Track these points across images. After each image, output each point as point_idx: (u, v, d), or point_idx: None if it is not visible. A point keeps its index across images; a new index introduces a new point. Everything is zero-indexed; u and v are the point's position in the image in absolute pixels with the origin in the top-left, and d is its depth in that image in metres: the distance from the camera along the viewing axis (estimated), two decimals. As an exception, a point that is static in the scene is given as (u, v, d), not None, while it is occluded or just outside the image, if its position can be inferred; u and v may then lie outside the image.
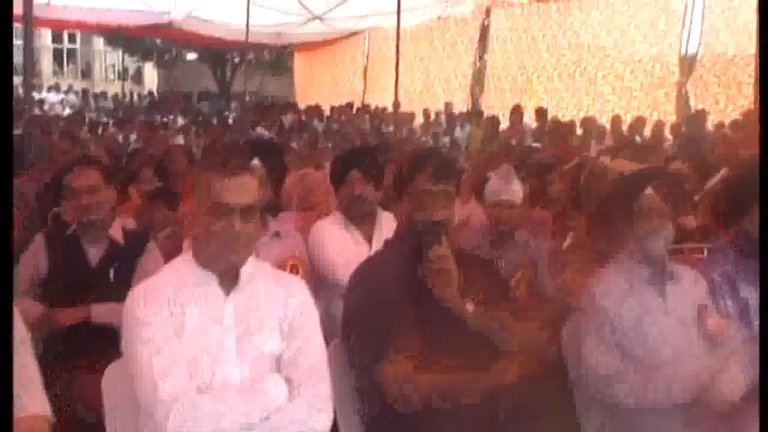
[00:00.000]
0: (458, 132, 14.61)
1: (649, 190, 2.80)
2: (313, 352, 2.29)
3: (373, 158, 3.83)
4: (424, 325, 2.46)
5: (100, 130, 14.14)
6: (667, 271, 2.85)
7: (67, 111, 21.04)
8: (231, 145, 6.62)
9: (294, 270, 3.39)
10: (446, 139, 14.27)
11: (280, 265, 3.35)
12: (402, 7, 13.55)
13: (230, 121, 18.37)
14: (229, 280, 2.24)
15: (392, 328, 2.42)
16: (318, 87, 23.42)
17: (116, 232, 3.56)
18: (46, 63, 34.70)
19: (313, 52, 23.82)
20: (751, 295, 3.01)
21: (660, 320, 2.77)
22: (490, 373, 2.45)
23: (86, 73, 36.19)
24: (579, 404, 2.90)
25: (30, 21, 7.31)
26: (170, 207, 4.57)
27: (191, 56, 29.27)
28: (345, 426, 2.55)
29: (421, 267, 2.48)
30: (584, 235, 3.69)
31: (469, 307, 2.47)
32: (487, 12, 18.17)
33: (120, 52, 29.85)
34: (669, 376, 2.68)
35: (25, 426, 1.99)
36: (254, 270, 2.29)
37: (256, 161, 3.34)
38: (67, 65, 36.25)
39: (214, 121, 18.87)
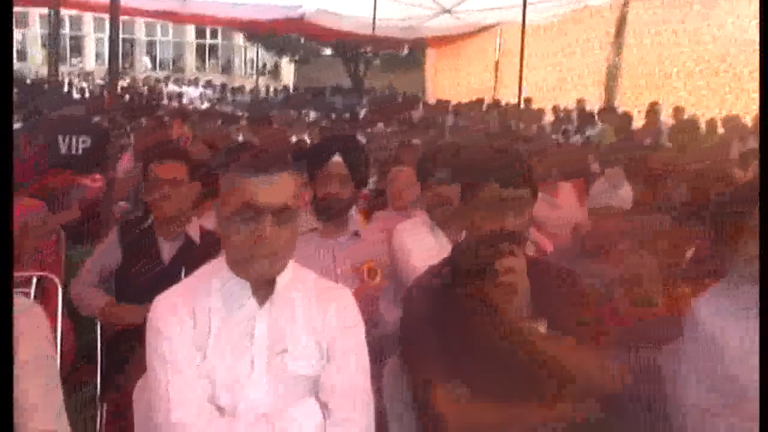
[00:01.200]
0: (590, 130, 14.00)
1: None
2: (355, 375, 2.00)
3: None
4: (486, 347, 2.16)
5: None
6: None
7: (205, 105, 21.64)
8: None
9: (371, 274, 3.15)
10: (577, 138, 13.73)
11: (357, 269, 3.13)
12: (534, 0, 13.11)
13: (361, 116, 18.51)
14: (264, 289, 1.99)
15: (449, 348, 2.13)
16: (449, 82, 23.17)
17: (194, 230, 3.44)
18: (190, 58, 35.96)
19: (444, 46, 23.54)
20: None
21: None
22: (558, 408, 2.12)
23: (226, 69, 37.24)
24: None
25: (117, 11, 7.22)
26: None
27: (326, 52, 29.61)
28: None
29: (486, 281, 2.16)
30: (706, 249, 3.28)
31: (541, 328, 2.14)
32: (626, 3, 17.36)
33: (258, 48, 30.55)
34: None
35: None
36: (294, 279, 2.04)
37: (337, 157, 3.13)
38: (209, 60, 37.43)
39: (346, 116, 19.14)
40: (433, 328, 2.18)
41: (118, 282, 3.38)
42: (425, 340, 2.18)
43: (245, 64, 37.81)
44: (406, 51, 27.69)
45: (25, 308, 1.87)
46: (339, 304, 2.06)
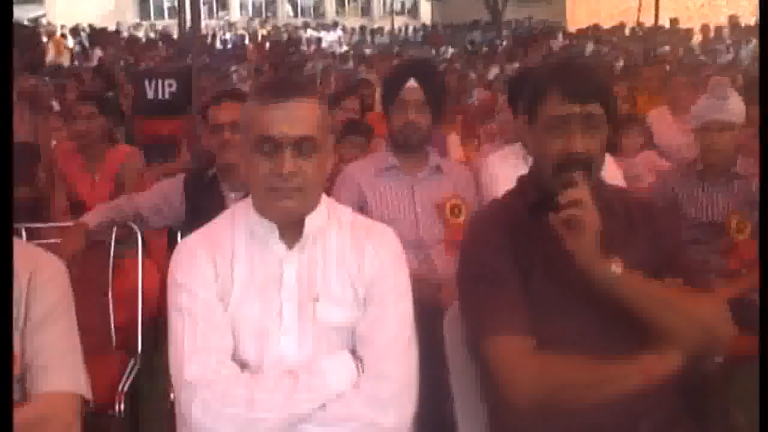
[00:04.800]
0: (743, 49, 12.99)
1: None
2: (394, 325, 1.80)
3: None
4: (553, 293, 1.90)
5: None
6: None
7: (344, 48, 21.67)
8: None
9: (455, 212, 2.94)
10: (729, 57, 12.78)
11: (439, 206, 2.93)
12: None
13: (500, 49, 18.00)
14: (292, 231, 1.80)
15: (511, 294, 1.88)
16: (590, 8, 22.08)
17: None
18: (329, 3, 36.07)
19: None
20: None
21: None
22: (639, 365, 1.78)
23: (366, 11, 37.09)
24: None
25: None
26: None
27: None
28: (463, 416, 2.04)
29: (551, 215, 1.89)
30: None
31: (615, 268, 1.85)
32: None
33: (395, -13, 30.21)
34: None
35: (45, 403, 1.69)
36: (329, 219, 1.85)
37: (412, 82, 2.92)
38: (349, 4, 37.40)
39: (485, 50, 18.68)
40: (496, 269, 1.93)
41: (184, 233, 3.23)
42: (486, 281, 1.94)
43: (384, 5, 37.52)
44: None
45: (44, 260, 1.79)
46: (378, 246, 1.85)
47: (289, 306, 1.78)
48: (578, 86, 1.92)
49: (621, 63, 12.39)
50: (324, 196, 1.88)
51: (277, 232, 1.80)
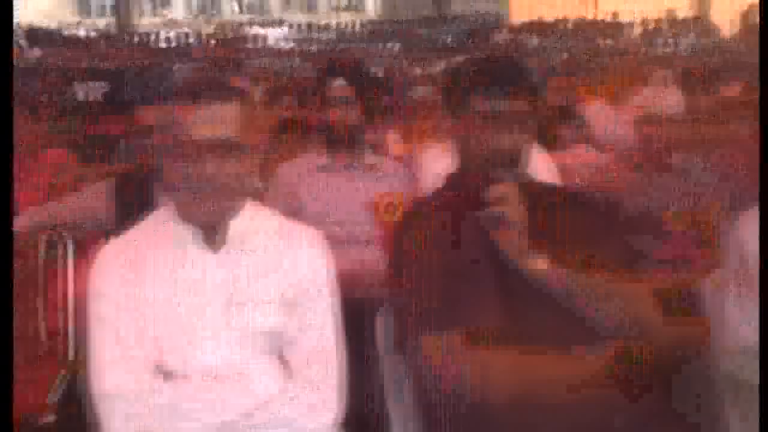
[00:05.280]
0: (681, 42, 13.24)
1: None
2: (321, 330, 1.79)
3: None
4: (486, 291, 1.86)
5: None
6: None
7: (290, 45, 21.54)
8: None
9: (389, 210, 2.92)
10: (668, 50, 13.01)
11: (372, 204, 2.92)
12: None
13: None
14: (216, 235, 1.77)
15: (443, 291, 1.85)
16: (535, 2, 22.25)
17: None
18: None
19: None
20: None
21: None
22: (572, 358, 1.77)
23: (312, 7, 36.90)
24: (724, 387, 2.20)
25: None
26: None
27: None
28: (397, 417, 2.02)
29: (479, 212, 1.88)
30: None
31: (541, 264, 1.86)
32: None
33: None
34: None
35: None
36: (254, 222, 1.82)
37: (340, 80, 2.90)
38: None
39: (431, 45, 18.76)
40: (422, 269, 1.92)
41: None
42: (415, 278, 1.92)
43: (329, 1, 37.37)
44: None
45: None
46: (305, 249, 1.83)
47: (213, 312, 1.75)
48: (502, 82, 1.92)
49: (564, 56, 12.52)
50: (249, 200, 1.85)
51: (200, 236, 1.77)
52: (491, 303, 1.86)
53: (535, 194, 1.99)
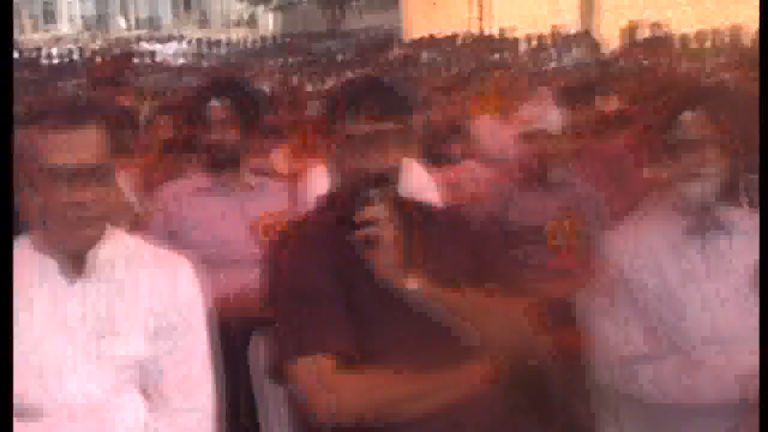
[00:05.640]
0: (566, 57, 13.63)
1: (687, 114, 2.07)
2: (192, 359, 1.74)
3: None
4: (360, 312, 1.85)
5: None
6: (713, 217, 2.12)
7: (181, 61, 21.19)
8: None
9: (270, 231, 2.87)
10: (553, 65, 13.39)
11: (253, 227, 2.86)
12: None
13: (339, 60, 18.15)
14: (75, 265, 1.69)
15: (315, 315, 1.82)
16: (426, 18, 22.57)
17: None
18: (165, 14, 35.22)
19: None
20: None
21: (700, 288, 2.07)
22: (449, 377, 1.80)
23: (203, 23, 36.50)
24: (596, 401, 2.24)
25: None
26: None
27: (299, -2, 28.98)
28: None
29: (351, 233, 1.86)
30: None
31: (416, 283, 1.85)
32: None
33: (233, -2, 29.94)
34: (712, 366, 1.99)
35: None
36: (121, 251, 1.74)
37: (215, 101, 2.84)
38: (185, 15, 36.68)
39: (324, 60, 18.78)
40: (293, 292, 1.88)
41: None
42: (285, 307, 1.88)
43: (222, 16, 37.05)
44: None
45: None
46: (171, 277, 1.76)
47: (77, 343, 1.66)
48: (373, 104, 1.91)
49: (454, 71, 12.73)
50: (109, 227, 1.77)
51: (64, 266, 1.68)
52: (380, 323, 1.85)
53: (410, 213, 1.99)
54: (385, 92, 1.96)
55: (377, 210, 1.81)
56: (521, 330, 1.89)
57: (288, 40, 25.02)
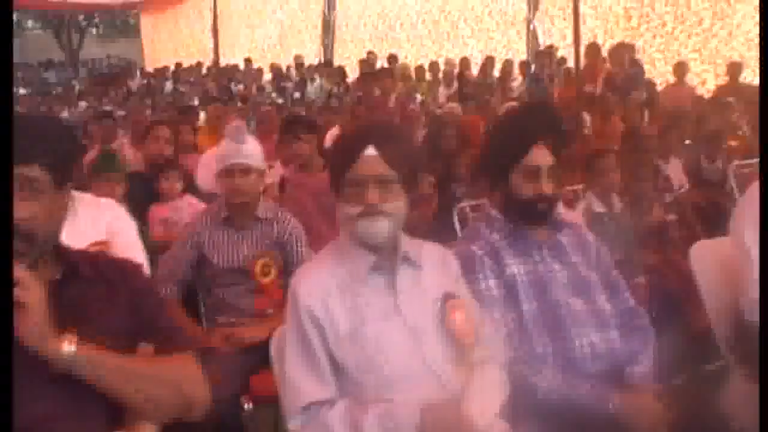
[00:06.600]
0: (309, 86, 13.75)
1: (369, 150, 2.02)
2: None
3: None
4: (23, 375, 1.60)
5: None
6: (401, 252, 2.09)
7: None
8: None
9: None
10: (297, 95, 13.45)
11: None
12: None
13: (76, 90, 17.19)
14: None
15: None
16: (168, 48, 22.03)
17: None
18: None
19: (160, 12, 22.32)
20: (519, 270, 2.33)
21: (388, 324, 2.02)
22: None
23: None
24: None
25: None
26: None
27: (32, 24, 27.20)
28: None
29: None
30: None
31: (69, 347, 1.63)
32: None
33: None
34: (398, 405, 1.94)
35: None
36: None
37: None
38: None
39: (59, 90, 17.70)
40: None
41: None
42: None
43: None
44: (120, 19, 26.12)
45: None
46: None
47: None
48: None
49: (195, 101, 12.43)
50: None
51: None
52: (30, 392, 1.64)
53: (75, 265, 1.80)
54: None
55: (19, 271, 1.59)
56: (181, 389, 1.74)
57: (19, 69, 23.28)
